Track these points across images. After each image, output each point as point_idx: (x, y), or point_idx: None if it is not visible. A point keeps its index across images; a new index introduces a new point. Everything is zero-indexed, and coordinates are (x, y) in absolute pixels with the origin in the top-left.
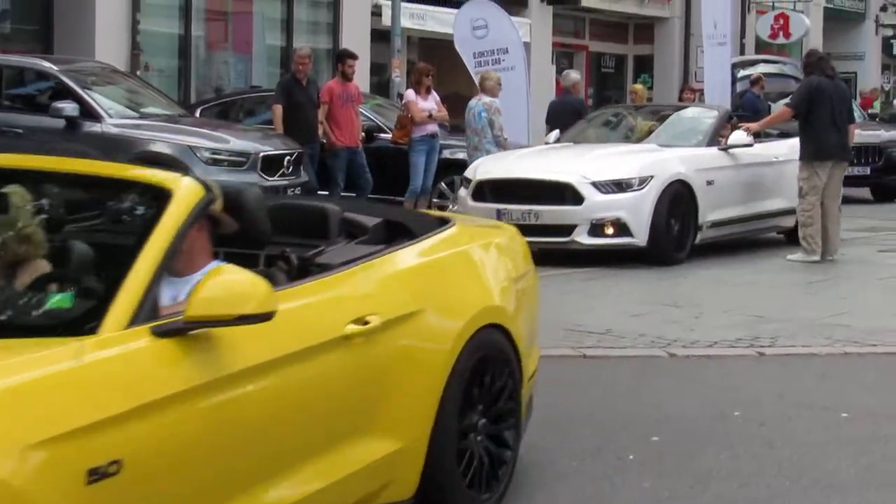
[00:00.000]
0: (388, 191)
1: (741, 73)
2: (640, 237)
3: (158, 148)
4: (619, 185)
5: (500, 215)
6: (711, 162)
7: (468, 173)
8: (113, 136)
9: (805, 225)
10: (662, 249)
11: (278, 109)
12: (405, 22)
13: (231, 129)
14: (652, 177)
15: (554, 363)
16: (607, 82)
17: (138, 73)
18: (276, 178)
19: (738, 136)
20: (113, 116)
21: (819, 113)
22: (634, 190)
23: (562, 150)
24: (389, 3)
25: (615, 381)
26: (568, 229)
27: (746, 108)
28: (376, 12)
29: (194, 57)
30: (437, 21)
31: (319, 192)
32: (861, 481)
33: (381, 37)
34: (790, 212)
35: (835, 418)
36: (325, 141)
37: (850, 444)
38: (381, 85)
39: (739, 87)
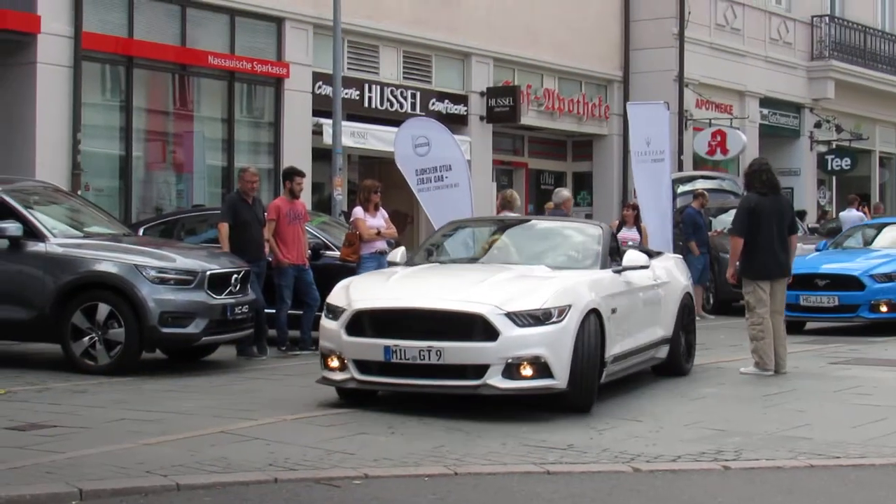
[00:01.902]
0: None
1: (680, 188)
2: (561, 378)
3: (104, 267)
4: (537, 318)
5: (389, 354)
6: (612, 287)
7: (336, 299)
8: (57, 256)
9: (756, 339)
10: (583, 392)
11: (224, 227)
12: (346, 140)
13: (176, 247)
14: (570, 306)
15: (517, 480)
16: (546, 199)
17: (79, 192)
18: (223, 296)
19: (634, 256)
20: (57, 236)
21: (759, 232)
22: (553, 322)
23: (446, 272)
24: (330, 122)
25: (583, 498)
26: (479, 370)
27: (687, 224)
28: (317, 131)
29: (135, 177)
30: (378, 139)
31: (266, 310)
32: None
33: (321, 155)
34: (666, 341)
35: None
36: (271, 258)
37: None
38: (321, 202)
39: (680, 202)
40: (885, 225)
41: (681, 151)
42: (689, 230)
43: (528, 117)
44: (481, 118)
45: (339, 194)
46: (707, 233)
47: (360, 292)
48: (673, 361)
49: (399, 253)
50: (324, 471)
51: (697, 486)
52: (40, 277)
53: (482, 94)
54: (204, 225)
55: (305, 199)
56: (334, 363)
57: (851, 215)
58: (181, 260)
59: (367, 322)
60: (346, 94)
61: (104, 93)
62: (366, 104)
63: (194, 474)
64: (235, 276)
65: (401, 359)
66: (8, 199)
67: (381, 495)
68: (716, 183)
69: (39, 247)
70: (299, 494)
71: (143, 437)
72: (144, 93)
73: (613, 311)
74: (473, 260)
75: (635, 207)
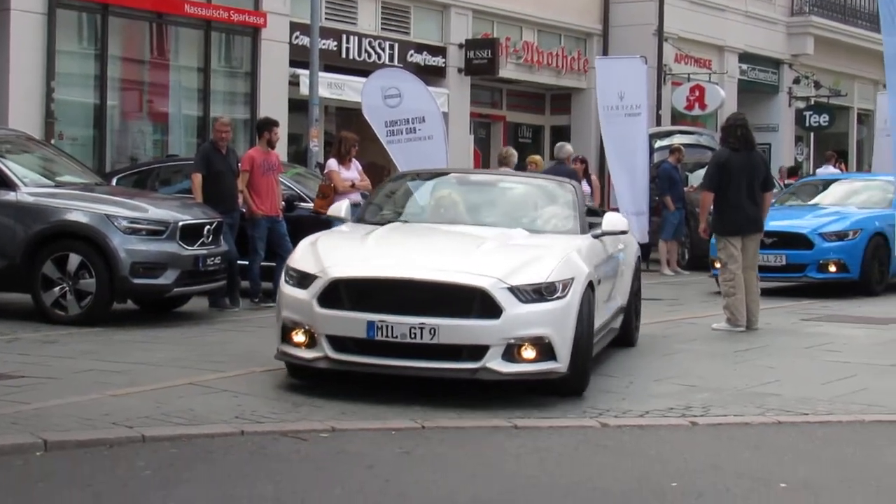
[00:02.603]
0: None
1: (658, 143)
2: (563, 361)
3: (75, 217)
4: (541, 293)
5: (373, 331)
6: (596, 255)
7: (302, 263)
8: (28, 205)
9: (727, 295)
10: (581, 375)
11: (198, 178)
12: (323, 91)
13: (149, 197)
14: (573, 279)
15: (485, 434)
16: (525, 152)
17: (52, 141)
18: (195, 247)
19: (614, 220)
20: (28, 185)
21: (730, 188)
22: (558, 297)
23: (426, 235)
24: (307, 72)
25: (549, 452)
26: (476, 352)
27: (663, 179)
28: (294, 82)
29: (109, 126)
30: (355, 91)
31: (239, 262)
32: None
33: (298, 106)
34: (621, 311)
35: (773, 490)
36: (245, 210)
37: None
38: (298, 154)
39: (657, 157)
40: (831, 182)
41: (659, 106)
42: (665, 185)
43: (507, 70)
44: (459, 70)
45: (316, 146)
46: (683, 188)
47: (333, 256)
48: (625, 332)
49: (343, 207)
50: (290, 423)
51: (664, 442)
52: (11, 227)
53: (461, 46)
54: (178, 175)
55: (281, 150)
56: (300, 338)
57: (828, 172)
58: (153, 210)
59: (345, 293)
60: (324, 44)
61: (79, 41)
62: (343, 55)
63: (160, 426)
64: (208, 227)
65: (387, 336)
66: None
67: (347, 448)
68: (693, 138)
69: (10, 196)
70: (265, 447)
71: (110, 388)
72: (120, 41)
73: (599, 282)
74: (443, 220)
75: (584, 161)
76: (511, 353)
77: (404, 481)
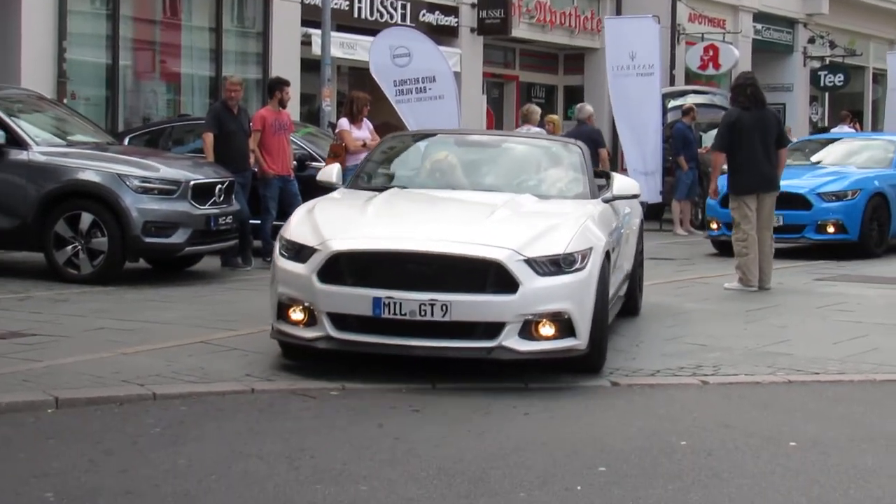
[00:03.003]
0: None
1: (671, 103)
2: (583, 337)
3: (87, 176)
4: (558, 264)
5: (380, 308)
6: (609, 221)
7: (299, 234)
8: (40, 165)
9: (740, 255)
10: (600, 351)
11: (209, 137)
12: (335, 51)
13: (161, 157)
14: (591, 249)
15: (496, 394)
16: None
17: (65, 101)
18: (207, 206)
19: (625, 183)
20: (40, 144)
21: (742, 148)
22: (577, 269)
23: (430, 203)
24: (319, 32)
25: (559, 411)
26: (492, 329)
27: (676, 139)
28: (306, 42)
29: (121, 86)
30: (367, 50)
31: (251, 221)
32: None
33: (310, 66)
34: (627, 278)
35: (782, 448)
36: (256, 169)
37: (799, 475)
38: (311, 114)
39: (670, 117)
40: (830, 140)
41: (672, 66)
42: (679, 145)
43: (520, 30)
44: (472, 30)
45: (328, 105)
46: (696, 148)
47: (333, 226)
48: (630, 299)
49: (334, 171)
50: (301, 382)
51: (674, 401)
52: (23, 186)
53: (473, 5)
54: (190, 135)
55: (293, 110)
56: (297, 315)
57: (843, 132)
58: (165, 169)
59: (347, 267)
60: (336, 4)
61: (91, 1)
62: (355, 15)
63: (171, 384)
64: (220, 186)
65: (394, 314)
66: None
67: (356, 406)
68: (707, 98)
69: (22, 155)
70: (275, 405)
71: (121, 346)
72: (131, 1)
73: (613, 250)
74: (442, 186)
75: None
76: (528, 330)
77: (414, 439)
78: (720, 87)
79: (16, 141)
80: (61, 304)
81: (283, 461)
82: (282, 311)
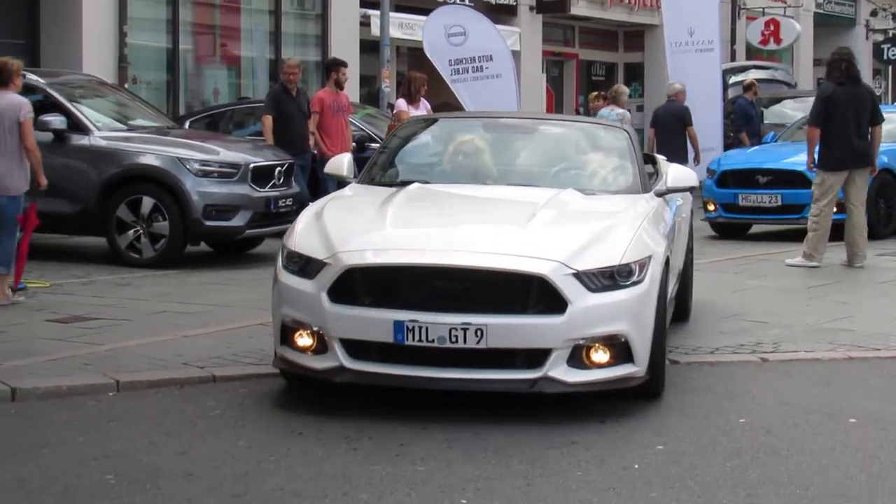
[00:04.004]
0: None
1: (732, 79)
2: (642, 362)
3: (147, 160)
4: (613, 278)
5: (403, 334)
6: (664, 219)
7: (305, 245)
8: (101, 149)
9: (811, 230)
10: (659, 375)
11: (268, 120)
12: (394, 32)
13: (220, 140)
14: (650, 257)
15: None
16: (598, 90)
17: (126, 85)
18: (266, 189)
19: (681, 174)
20: (101, 129)
21: (835, 122)
22: (634, 283)
23: (457, 203)
24: (378, 13)
25: None
26: (535, 357)
27: (738, 115)
28: (365, 23)
29: (182, 70)
30: None
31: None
32: (872, 489)
33: (369, 47)
34: (677, 278)
35: (842, 425)
36: (315, 151)
37: (858, 451)
38: (370, 95)
39: (731, 93)
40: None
41: (733, 41)
42: (741, 121)
43: (579, 7)
44: (531, 8)
45: (388, 86)
46: (759, 124)
47: (345, 234)
48: (681, 301)
49: (345, 163)
50: None
51: (734, 378)
52: (85, 171)
53: None
54: (251, 118)
55: (353, 91)
56: (305, 341)
57: None
58: (224, 153)
59: (363, 284)
60: None
61: None
62: None
63: (230, 366)
64: (279, 168)
65: (420, 340)
66: (53, 92)
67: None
68: (769, 73)
69: (84, 140)
70: (332, 386)
71: (182, 329)
72: None
73: (667, 261)
74: (472, 180)
75: (604, 97)
76: (579, 356)
77: (471, 420)
78: (782, 62)
79: (77, 126)
80: (123, 287)
81: (341, 442)
82: (286, 335)
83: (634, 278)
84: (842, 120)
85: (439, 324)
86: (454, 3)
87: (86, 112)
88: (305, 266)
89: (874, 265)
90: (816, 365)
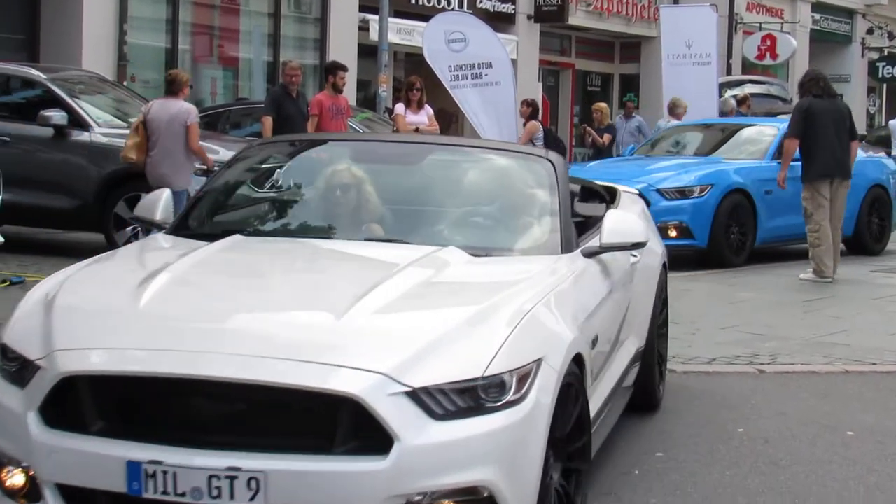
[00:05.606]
0: None
1: (728, 92)
2: None
3: None
4: (476, 396)
5: (139, 480)
6: (590, 294)
7: (20, 334)
8: (101, 146)
9: (813, 246)
10: None
11: (268, 121)
12: (392, 37)
13: (220, 139)
14: (540, 361)
15: None
16: (593, 100)
17: (124, 83)
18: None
19: (622, 223)
20: (101, 125)
21: (816, 133)
22: (507, 405)
23: (270, 265)
24: (377, 18)
25: None
26: None
27: None
28: (363, 27)
29: (180, 70)
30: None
31: None
32: (869, 501)
33: (367, 52)
34: (637, 358)
35: (839, 436)
36: None
37: (855, 463)
38: (367, 100)
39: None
40: (706, 126)
41: (730, 55)
42: None
43: (576, 17)
44: (529, 17)
45: (384, 91)
46: None
47: (75, 323)
48: (644, 388)
49: (161, 201)
50: None
51: (731, 389)
52: (84, 166)
53: None
54: (248, 118)
55: (350, 95)
56: (15, 479)
57: None
58: (224, 152)
59: (89, 400)
60: None
61: None
62: (413, 0)
63: None
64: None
65: (164, 492)
66: (53, 87)
67: None
68: (764, 88)
69: (84, 136)
70: None
71: None
72: None
73: (594, 342)
74: (325, 231)
75: (531, 104)
76: None
77: None
78: (777, 78)
79: (78, 122)
80: None
81: None
82: None
83: (509, 396)
84: (822, 130)
85: (193, 468)
86: (453, 9)
87: (86, 108)
88: (21, 370)
89: (868, 280)
90: (813, 378)
